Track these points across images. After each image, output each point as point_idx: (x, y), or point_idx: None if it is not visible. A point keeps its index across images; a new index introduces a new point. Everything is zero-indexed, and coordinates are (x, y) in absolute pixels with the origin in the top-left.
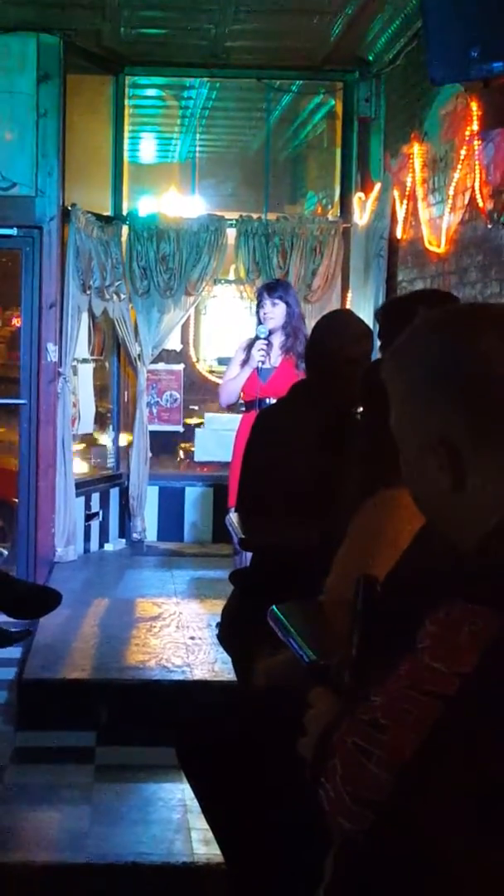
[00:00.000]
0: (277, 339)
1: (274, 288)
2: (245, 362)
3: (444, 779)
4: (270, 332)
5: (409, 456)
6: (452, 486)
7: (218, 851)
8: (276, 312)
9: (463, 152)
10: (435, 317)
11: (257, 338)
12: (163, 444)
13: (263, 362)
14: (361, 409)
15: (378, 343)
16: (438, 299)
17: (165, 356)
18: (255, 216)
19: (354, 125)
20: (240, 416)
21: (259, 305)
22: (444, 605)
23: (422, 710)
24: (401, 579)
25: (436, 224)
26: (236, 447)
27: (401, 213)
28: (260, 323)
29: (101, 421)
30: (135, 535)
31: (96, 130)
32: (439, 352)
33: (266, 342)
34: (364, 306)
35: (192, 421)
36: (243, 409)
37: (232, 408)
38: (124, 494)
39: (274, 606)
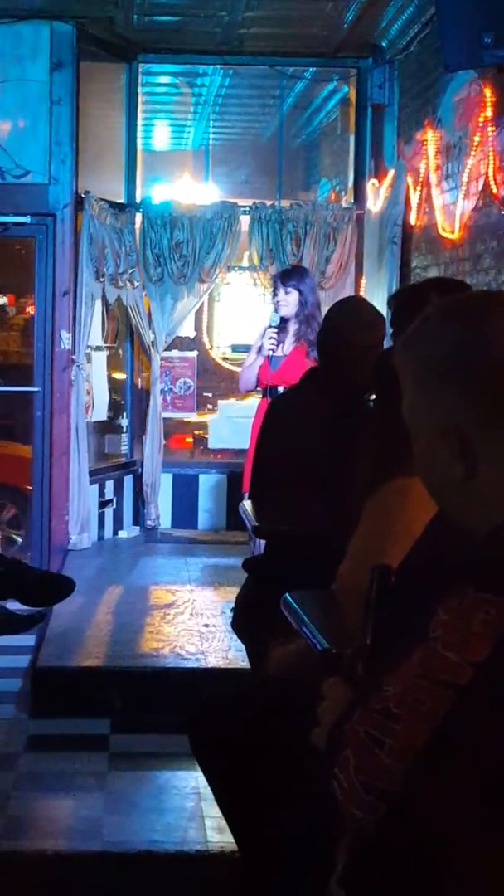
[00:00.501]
0: (291, 327)
1: (289, 276)
2: (259, 351)
3: (455, 768)
4: (284, 320)
5: (420, 445)
6: (464, 475)
7: (231, 839)
8: (289, 300)
9: (477, 138)
10: (446, 304)
11: (269, 326)
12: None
13: (274, 350)
14: (374, 396)
15: (391, 330)
16: (450, 287)
17: (179, 343)
18: (268, 203)
19: (368, 112)
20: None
21: (274, 293)
22: (456, 593)
23: (434, 699)
24: (413, 568)
25: (449, 210)
26: (253, 434)
27: (414, 199)
28: (275, 310)
29: (114, 408)
30: (149, 523)
31: (109, 118)
32: (451, 340)
33: (276, 330)
34: (378, 293)
35: (204, 418)
36: (261, 395)
37: (251, 393)
38: (138, 482)
39: (287, 594)
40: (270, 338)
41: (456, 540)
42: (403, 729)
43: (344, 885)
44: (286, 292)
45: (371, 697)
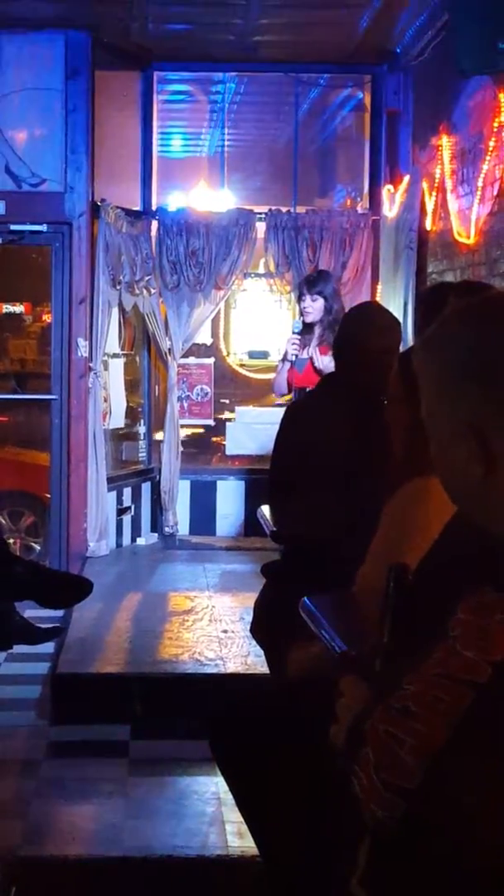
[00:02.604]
0: (317, 331)
1: (314, 282)
2: (285, 358)
3: (475, 766)
4: (310, 325)
5: (439, 445)
6: (483, 475)
7: (252, 844)
8: (315, 307)
9: (491, 143)
10: (465, 306)
11: (294, 332)
12: (195, 439)
13: (297, 355)
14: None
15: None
16: (472, 288)
17: (196, 350)
18: (284, 209)
19: (383, 117)
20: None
21: (299, 299)
22: (475, 593)
23: (453, 697)
24: (432, 568)
25: (465, 215)
26: None
27: (430, 204)
28: (301, 315)
29: (132, 416)
30: (167, 529)
31: (125, 126)
32: (469, 341)
33: (298, 336)
34: (394, 298)
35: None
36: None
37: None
38: (156, 488)
39: (306, 598)
40: (293, 343)
41: (474, 539)
42: (423, 727)
43: (365, 886)
44: (312, 299)
45: (390, 696)
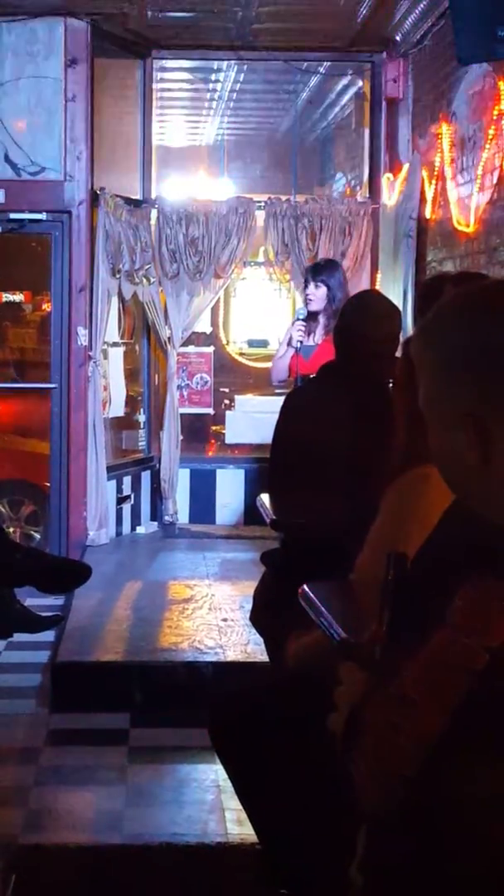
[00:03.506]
0: (321, 320)
1: (319, 270)
2: (289, 343)
3: (473, 753)
4: (314, 313)
5: (436, 433)
6: (480, 462)
7: (251, 831)
8: (318, 295)
9: (491, 132)
10: (461, 294)
11: (297, 319)
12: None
13: (302, 341)
14: (392, 384)
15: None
16: (470, 278)
17: (195, 339)
18: (283, 198)
19: (382, 106)
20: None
21: (304, 286)
22: (473, 580)
23: (451, 684)
24: (431, 555)
25: (464, 204)
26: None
27: (429, 193)
28: (305, 303)
29: (131, 404)
30: (166, 518)
31: (124, 114)
32: (466, 328)
33: (304, 322)
34: (393, 287)
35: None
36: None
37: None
38: (156, 477)
39: (305, 586)
40: (299, 329)
41: (472, 527)
42: (421, 714)
43: (363, 872)
44: (316, 286)
45: (388, 683)
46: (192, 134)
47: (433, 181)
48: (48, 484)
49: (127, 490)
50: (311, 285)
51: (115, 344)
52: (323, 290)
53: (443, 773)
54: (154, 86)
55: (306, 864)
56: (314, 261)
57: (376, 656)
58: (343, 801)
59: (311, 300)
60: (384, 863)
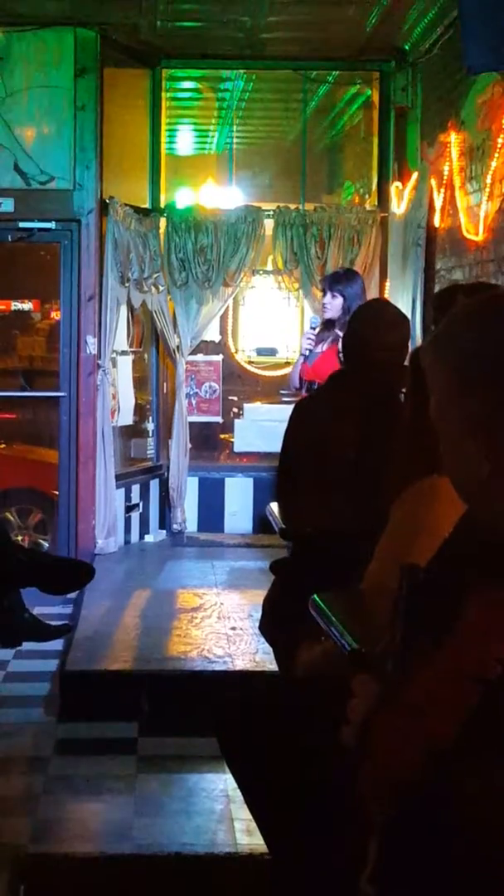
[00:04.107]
0: (336, 330)
1: (337, 280)
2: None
3: (485, 762)
4: (330, 322)
5: (448, 442)
6: (491, 472)
7: (261, 841)
8: (334, 304)
9: (500, 140)
10: (472, 304)
11: (312, 327)
12: (204, 436)
13: (310, 349)
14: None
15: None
16: (482, 289)
17: (204, 347)
18: (292, 206)
19: (391, 114)
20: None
21: (323, 295)
22: (485, 591)
23: (462, 694)
24: (442, 566)
25: (473, 212)
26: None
27: (438, 201)
28: (321, 312)
29: (140, 413)
30: (175, 527)
31: (133, 123)
32: (477, 338)
33: (314, 331)
34: (402, 295)
35: None
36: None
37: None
38: (164, 486)
39: (315, 595)
40: (308, 338)
41: (484, 537)
42: (432, 724)
43: (374, 883)
44: (332, 296)
45: (400, 693)
46: (200, 143)
47: (442, 190)
48: (57, 492)
49: (135, 498)
50: (328, 295)
51: (123, 352)
52: (339, 300)
53: (455, 784)
54: (163, 94)
55: (317, 874)
56: (323, 269)
57: (389, 668)
58: (354, 811)
59: (326, 309)
60: (396, 873)
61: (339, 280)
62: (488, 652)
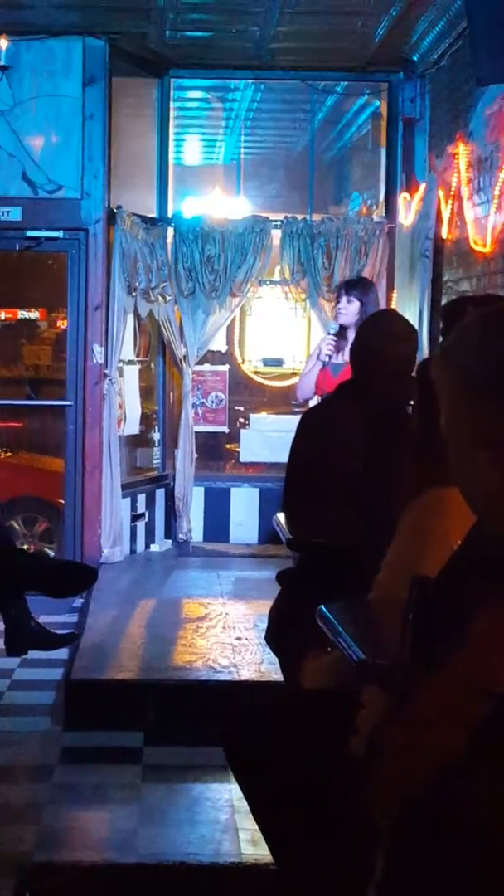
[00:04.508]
0: (350, 336)
1: (353, 286)
2: (318, 357)
3: (494, 774)
4: (344, 329)
5: (458, 453)
6: (501, 483)
7: (266, 851)
8: (349, 309)
9: None
10: (483, 316)
11: (327, 333)
12: (210, 446)
13: (331, 356)
14: (413, 404)
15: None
16: (492, 301)
17: (211, 357)
18: (299, 217)
19: (399, 125)
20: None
21: (337, 301)
22: (494, 602)
23: (472, 706)
24: (452, 578)
25: (481, 224)
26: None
27: (446, 213)
28: (335, 318)
29: (146, 422)
30: (181, 536)
31: (141, 133)
32: (487, 350)
33: (334, 337)
34: (409, 306)
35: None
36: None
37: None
38: (170, 495)
39: (322, 606)
40: (328, 344)
41: (494, 549)
42: (441, 736)
43: (382, 893)
44: (348, 301)
45: (409, 705)
46: (208, 152)
47: (450, 201)
48: (62, 501)
49: (141, 508)
50: (344, 299)
51: (130, 362)
52: (356, 304)
53: (463, 795)
54: (171, 104)
55: (323, 885)
56: (330, 280)
57: (399, 680)
58: (361, 822)
59: (342, 314)
60: (403, 884)
61: (355, 285)
62: (498, 664)
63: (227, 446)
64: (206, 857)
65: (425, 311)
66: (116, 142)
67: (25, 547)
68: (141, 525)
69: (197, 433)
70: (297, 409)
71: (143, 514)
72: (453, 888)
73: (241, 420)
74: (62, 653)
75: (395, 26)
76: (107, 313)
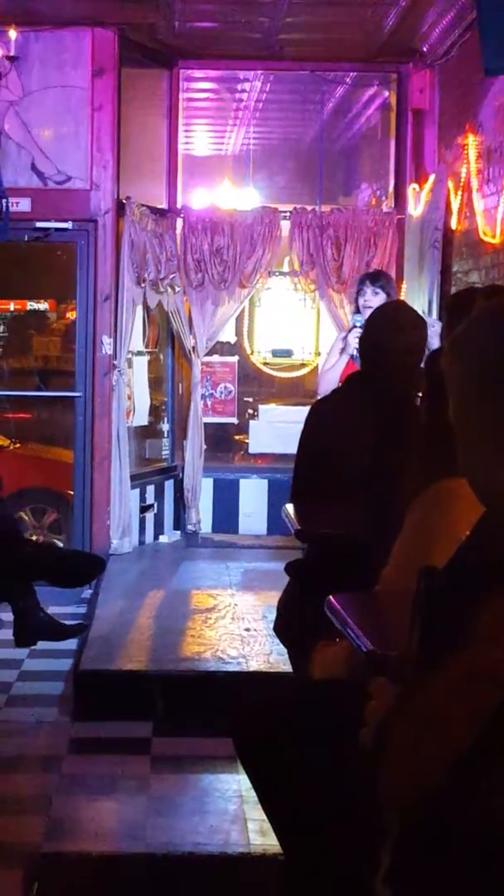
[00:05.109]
0: None
1: (376, 277)
2: (343, 351)
3: (501, 767)
4: None
5: (466, 445)
6: None
7: (274, 842)
8: (376, 301)
9: None
10: (492, 307)
11: (353, 326)
12: (219, 437)
13: (359, 349)
14: (421, 397)
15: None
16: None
17: (220, 348)
18: (309, 208)
19: (408, 116)
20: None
21: (359, 293)
22: (502, 593)
23: (479, 697)
24: (460, 569)
25: (490, 215)
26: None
27: (455, 204)
28: (357, 311)
29: (155, 413)
30: (189, 527)
31: (150, 124)
32: (496, 341)
33: (361, 330)
34: (419, 297)
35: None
36: None
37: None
38: (179, 486)
39: (331, 597)
40: (357, 337)
41: (502, 540)
42: (449, 727)
43: (390, 884)
44: (374, 293)
45: (417, 696)
46: (217, 143)
47: (459, 192)
48: (71, 492)
49: (150, 499)
50: (369, 291)
51: (139, 353)
52: (382, 296)
53: (471, 786)
54: (180, 95)
55: (331, 875)
56: (339, 271)
57: (407, 671)
58: (369, 813)
59: (368, 306)
60: (411, 875)
61: (380, 277)
62: None
63: (236, 437)
64: (215, 847)
65: (434, 301)
66: (125, 133)
67: (34, 538)
68: (150, 516)
69: (206, 424)
70: (306, 401)
71: (151, 506)
72: (460, 880)
73: (250, 411)
74: (71, 643)
75: (405, 17)
76: (116, 304)
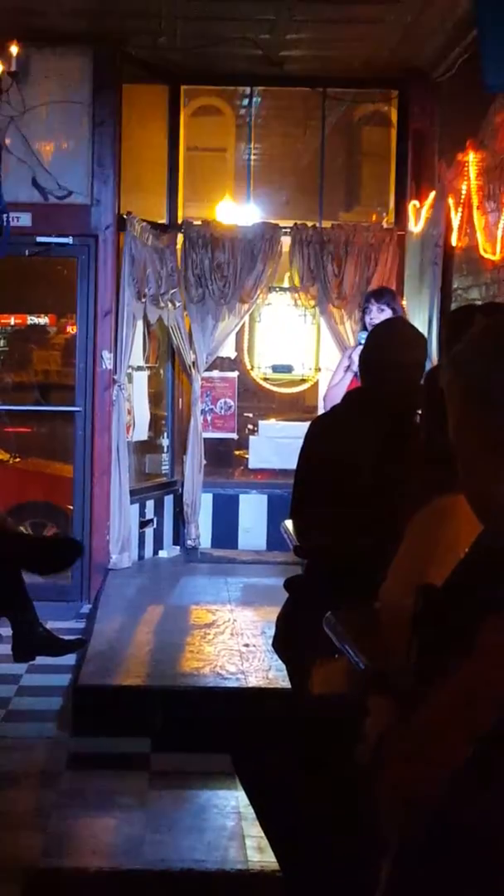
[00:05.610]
0: None
1: (381, 294)
2: (348, 368)
3: (499, 783)
4: None
5: (465, 461)
6: None
7: (272, 858)
8: (382, 318)
9: None
10: (492, 324)
11: (359, 344)
12: (218, 452)
13: None
14: (421, 412)
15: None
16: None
17: (220, 364)
18: (309, 224)
19: (409, 133)
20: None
21: (365, 311)
22: (501, 611)
23: (478, 715)
24: (459, 586)
25: (491, 232)
26: None
27: (456, 220)
28: (364, 329)
29: (155, 428)
30: (189, 542)
31: (152, 139)
32: (496, 358)
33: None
34: (419, 314)
35: None
36: None
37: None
38: (178, 501)
39: (329, 613)
40: None
41: (500, 557)
42: (447, 744)
43: None
44: (380, 310)
45: (415, 714)
46: (218, 159)
47: (459, 209)
48: (71, 506)
49: (150, 514)
50: (375, 309)
51: (139, 368)
52: (388, 312)
53: (468, 803)
54: (182, 111)
55: (329, 892)
56: (339, 287)
57: (405, 688)
58: (367, 830)
59: (374, 323)
60: (410, 890)
61: (384, 294)
62: (503, 673)
63: (236, 453)
64: (213, 863)
65: (434, 318)
66: (126, 148)
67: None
68: (149, 531)
69: (206, 439)
70: (306, 416)
71: (151, 521)
72: (459, 895)
73: (250, 427)
74: (69, 658)
75: (406, 35)
76: (116, 319)
